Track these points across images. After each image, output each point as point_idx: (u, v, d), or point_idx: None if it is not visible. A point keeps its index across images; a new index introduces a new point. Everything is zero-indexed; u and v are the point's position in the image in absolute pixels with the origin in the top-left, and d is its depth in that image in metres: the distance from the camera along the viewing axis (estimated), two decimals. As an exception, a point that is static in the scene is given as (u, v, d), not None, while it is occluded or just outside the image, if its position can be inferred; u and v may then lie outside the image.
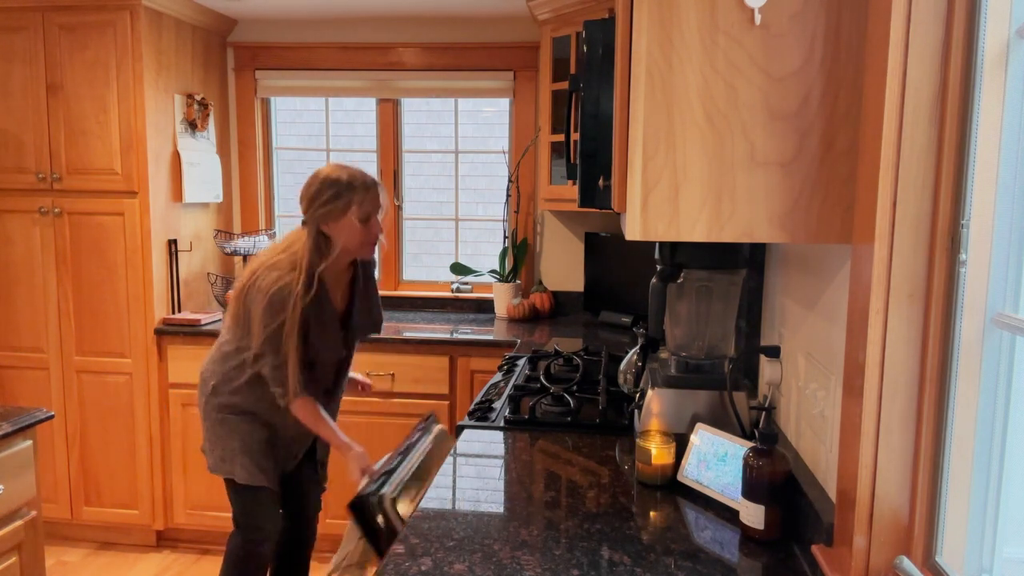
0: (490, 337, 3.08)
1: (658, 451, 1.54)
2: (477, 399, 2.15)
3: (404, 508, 1.86)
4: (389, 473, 1.92)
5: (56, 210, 3.16)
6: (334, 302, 2.19)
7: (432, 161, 3.75)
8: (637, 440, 1.56)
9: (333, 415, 2.36)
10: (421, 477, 2.00)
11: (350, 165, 2.14)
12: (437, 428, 2.23)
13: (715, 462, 1.50)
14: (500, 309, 3.51)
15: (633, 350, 2.07)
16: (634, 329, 2.14)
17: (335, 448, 2.19)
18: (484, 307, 3.65)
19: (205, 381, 2.25)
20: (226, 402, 2.20)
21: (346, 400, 2.68)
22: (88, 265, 3.18)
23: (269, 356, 2.06)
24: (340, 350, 2.23)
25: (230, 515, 3.06)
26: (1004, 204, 0.95)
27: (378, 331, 2.41)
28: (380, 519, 1.81)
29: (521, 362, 2.56)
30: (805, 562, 1.25)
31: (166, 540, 3.38)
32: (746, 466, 1.33)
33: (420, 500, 1.68)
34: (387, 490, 1.84)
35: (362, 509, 1.83)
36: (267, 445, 2.24)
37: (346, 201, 2.05)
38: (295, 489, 2.43)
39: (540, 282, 3.59)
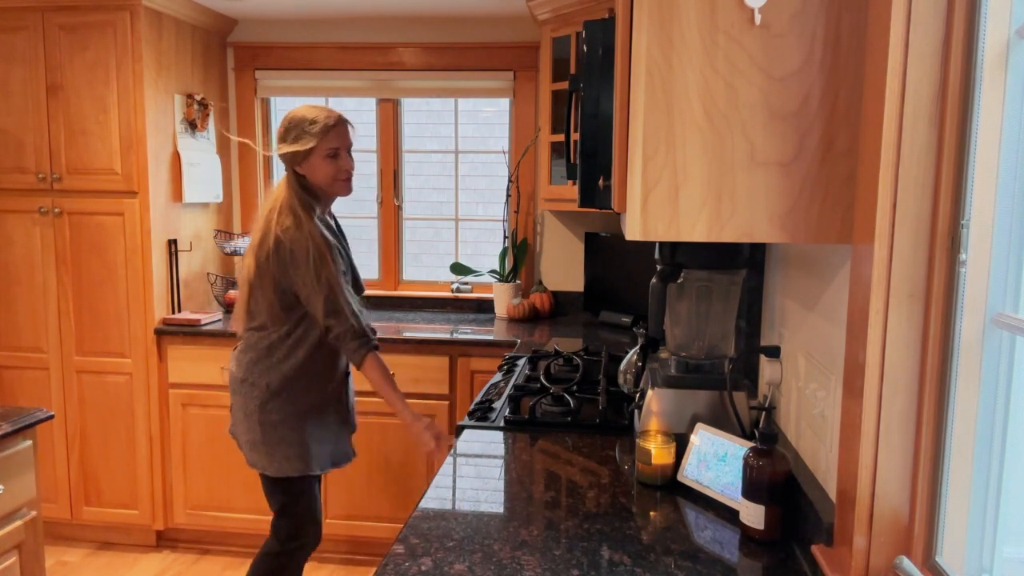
0: (490, 337, 3.08)
1: (658, 451, 1.54)
2: (477, 399, 2.15)
3: None
4: None
5: (56, 210, 3.16)
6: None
7: (432, 161, 3.75)
8: (637, 440, 1.56)
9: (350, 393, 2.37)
10: None
11: (321, 105, 2.17)
12: None
13: (715, 462, 1.50)
14: (500, 309, 3.51)
15: (633, 350, 2.07)
16: (634, 329, 2.14)
17: (401, 416, 2.20)
18: (484, 307, 3.65)
19: (253, 384, 2.15)
20: (292, 404, 2.16)
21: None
22: (88, 265, 3.18)
23: (331, 314, 2.07)
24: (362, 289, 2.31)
25: (230, 515, 3.05)
26: (1004, 204, 0.95)
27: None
28: None
29: (521, 362, 2.56)
30: (805, 562, 1.25)
31: (166, 540, 3.38)
32: (746, 466, 1.33)
33: None
34: None
35: None
36: (342, 425, 2.29)
37: (310, 138, 2.09)
38: None
39: (540, 282, 3.59)
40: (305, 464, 2.17)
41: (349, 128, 2.17)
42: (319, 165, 2.12)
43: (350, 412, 2.35)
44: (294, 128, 2.10)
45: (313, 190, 2.15)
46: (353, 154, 2.20)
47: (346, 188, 2.19)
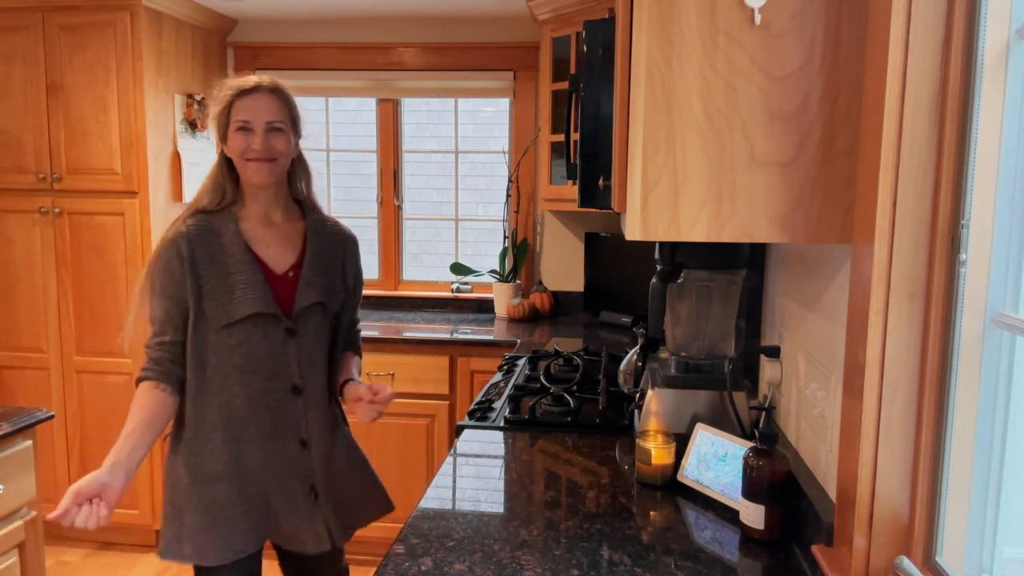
0: (490, 337, 3.08)
1: (658, 451, 1.54)
2: (477, 399, 2.15)
3: None
4: None
5: (56, 210, 3.16)
6: (253, 246, 1.73)
7: (432, 161, 3.75)
8: (637, 440, 1.56)
9: (333, 423, 1.86)
10: None
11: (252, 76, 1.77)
12: None
13: (715, 462, 1.50)
14: (500, 309, 3.51)
15: (633, 350, 2.07)
16: (634, 329, 2.14)
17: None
18: (484, 307, 3.65)
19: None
20: (181, 459, 1.74)
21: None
22: (88, 265, 3.18)
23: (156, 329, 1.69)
24: (260, 307, 1.68)
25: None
26: (1004, 204, 0.95)
27: (352, 326, 2.01)
28: None
29: (521, 362, 2.56)
30: (805, 562, 1.25)
31: (166, 540, 3.38)
32: (746, 466, 1.33)
33: None
34: None
35: None
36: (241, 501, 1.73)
37: (217, 111, 1.70)
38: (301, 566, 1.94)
39: (540, 282, 3.59)
40: (178, 549, 1.76)
41: (263, 96, 1.71)
42: (232, 140, 1.69)
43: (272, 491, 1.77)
44: (213, 102, 1.73)
45: (231, 172, 1.75)
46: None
47: (259, 174, 1.69)
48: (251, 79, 1.73)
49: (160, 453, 3.25)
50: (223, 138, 1.72)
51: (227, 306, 1.67)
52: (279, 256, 1.77)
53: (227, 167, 1.75)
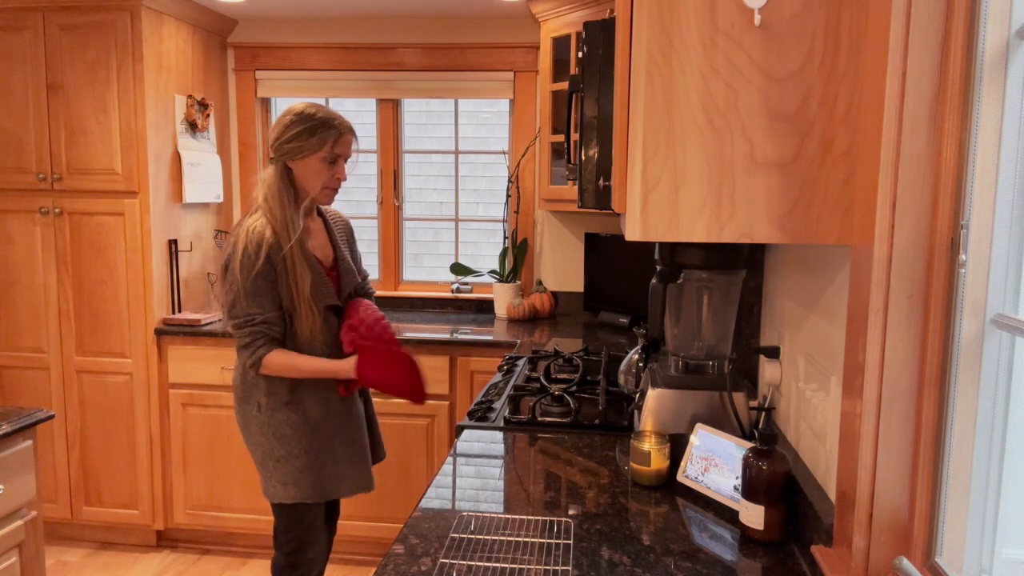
0: (490, 337, 3.08)
1: (654, 452, 1.54)
2: (477, 399, 2.15)
3: None
4: None
5: (56, 210, 3.16)
6: (314, 248, 2.10)
7: (432, 161, 3.75)
8: (632, 441, 1.56)
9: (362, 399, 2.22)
10: None
11: (324, 106, 2.07)
12: None
13: (715, 462, 1.50)
14: (500, 309, 3.51)
15: (634, 350, 2.07)
16: (634, 330, 2.14)
17: (332, 374, 2.03)
18: (484, 307, 3.65)
19: (241, 400, 2.08)
20: (278, 418, 2.03)
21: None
22: (88, 265, 3.18)
23: (245, 300, 1.95)
24: (333, 297, 2.09)
25: (230, 515, 3.06)
26: (1004, 204, 0.95)
27: (364, 280, 2.32)
28: None
29: (521, 362, 2.56)
30: (805, 562, 1.25)
31: (166, 540, 3.38)
32: (746, 466, 1.34)
33: None
34: None
35: None
36: (334, 447, 2.09)
37: (319, 139, 1.99)
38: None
39: (540, 282, 3.59)
40: (295, 494, 2.05)
41: (355, 139, 2.10)
42: (316, 167, 2.01)
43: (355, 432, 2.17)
44: (301, 123, 1.99)
45: (294, 187, 2.04)
46: (354, 158, 2.13)
47: (330, 198, 2.09)
48: (345, 121, 2.06)
49: (160, 450, 3.25)
50: (298, 158, 2.00)
51: (308, 299, 2.02)
52: (322, 253, 2.14)
53: (288, 179, 2.03)
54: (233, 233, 2.02)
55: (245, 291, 1.95)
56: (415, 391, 2.08)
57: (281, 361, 1.99)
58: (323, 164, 2.02)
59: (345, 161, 2.08)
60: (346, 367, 2.03)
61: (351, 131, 2.07)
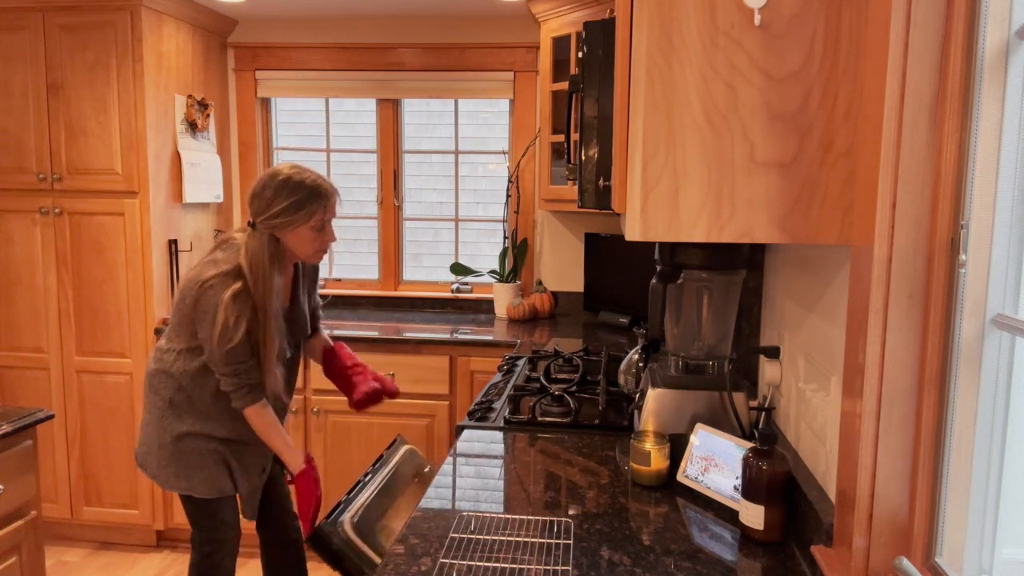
0: (490, 337, 3.08)
1: (654, 452, 1.54)
2: (477, 399, 2.15)
3: (370, 528, 1.85)
4: (348, 501, 1.87)
5: (56, 210, 3.16)
6: (280, 300, 2.08)
7: (432, 162, 3.75)
8: (632, 441, 1.56)
9: (282, 419, 2.24)
10: (389, 496, 1.98)
11: (305, 167, 2.02)
12: (404, 448, 2.20)
13: (715, 462, 1.50)
14: (500, 309, 3.51)
15: (634, 350, 2.07)
16: (634, 330, 2.14)
17: (286, 463, 2.08)
18: (484, 307, 3.65)
19: (156, 391, 2.07)
20: (188, 430, 2.05)
21: (343, 400, 2.67)
22: (88, 265, 3.18)
23: (221, 362, 1.96)
24: (287, 349, 2.12)
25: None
26: (1004, 204, 0.95)
27: (313, 328, 2.32)
28: (344, 546, 1.77)
29: (521, 362, 2.56)
30: (805, 563, 1.25)
31: (166, 540, 3.38)
32: (746, 466, 1.34)
33: (387, 518, 1.67)
34: (346, 516, 1.81)
35: (321, 541, 1.78)
36: (231, 454, 2.11)
37: (307, 212, 1.95)
38: (264, 492, 2.32)
39: (540, 282, 3.59)
40: (189, 486, 2.11)
41: (338, 199, 2.05)
42: (305, 236, 1.98)
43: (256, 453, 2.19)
44: (286, 195, 1.94)
45: (281, 255, 2.01)
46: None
47: (320, 258, 2.09)
48: (325, 183, 2.02)
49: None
50: (287, 230, 1.97)
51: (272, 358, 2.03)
52: (280, 300, 2.07)
53: (275, 248, 1.99)
54: (207, 286, 1.93)
55: (222, 355, 1.94)
56: (304, 517, 2.09)
57: (260, 420, 2.03)
58: (313, 232, 2.00)
59: (332, 221, 2.06)
60: (296, 462, 2.07)
61: (335, 193, 2.04)
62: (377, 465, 2.08)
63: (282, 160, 3.83)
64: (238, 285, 1.93)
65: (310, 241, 2.00)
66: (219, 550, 2.17)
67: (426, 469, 2.22)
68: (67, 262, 3.19)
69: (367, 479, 2.00)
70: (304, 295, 2.23)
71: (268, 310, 1.96)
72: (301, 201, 1.95)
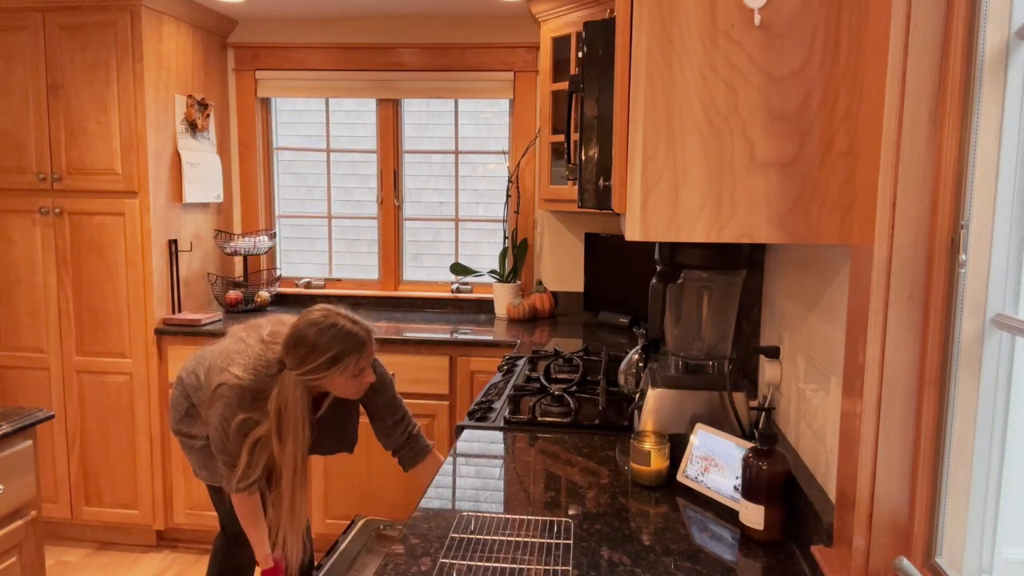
0: (490, 337, 3.08)
1: (654, 452, 1.54)
2: (477, 399, 2.15)
3: None
4: None
5: (56, 210, 3.16)
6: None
7: (432, 162, 3.75)
8: (632, 441, 1.56)
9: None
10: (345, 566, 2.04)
11: (337, 313, 1.93)
12: (360, 523, 2.23)
13: (715, 462, 1.50)
14: (500, 309, 3.51)
15: (634, 350, 2.07)
16: (634, 330, 2.14)
17: (256, 555, 2.09)
18: (484, 307, 3.65)
19: (175, 401, 2.17)
20: (201, 432, 2.15)
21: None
22: (88, 265, 3.18)
23: (221, 453, 1.97)
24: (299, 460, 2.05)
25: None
26: (1004, 205, 0.95)
27: (349, 450, 2.24)
28: None
29: (521, 362, 2.56)
30: (805, 563, 1.25)
31: (166, 540, 3.38)
32: (746, 466, 1.33)
33: None
34: None
35: None
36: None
37: (343, 365, 1.89)
38: None
39: (540, 282, 3.59)
40: (210, 476, 2.20)
41: (373, 342, 1.97)
42: (341, 382, 1.93)
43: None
44: (323, 349, 1.87)
45: (312, 394, 2.00)
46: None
47: (358, 396, 2.03)
48: (363, 328, 1.94)
49: (160, 450, 3.25)
50: (326, 379, 1.91)
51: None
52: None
53: (309, 396, 1.95)
54: (218, 395, 1.93)
55: (218, 451, 1.97)
56: None
57: (243, 508, 2.03)
58: (350, 379, 1.94)
59: (370, 363, 1.98)
60: (264, 559, 2.08)
61: (372, 339, 1.96)
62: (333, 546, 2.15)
63: (281, 159, 3.82)
64: (247, 416, 1.92)
65: (347, 386, 1.95)
66: (237, 540, 2.23)
67: (382, 528, 2.26)
68: (67, 262, 3.19)
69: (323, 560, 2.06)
70: (340, 418, 2.15)
71: (287, 457, 1.93)
72: (336, 356, 1.88)
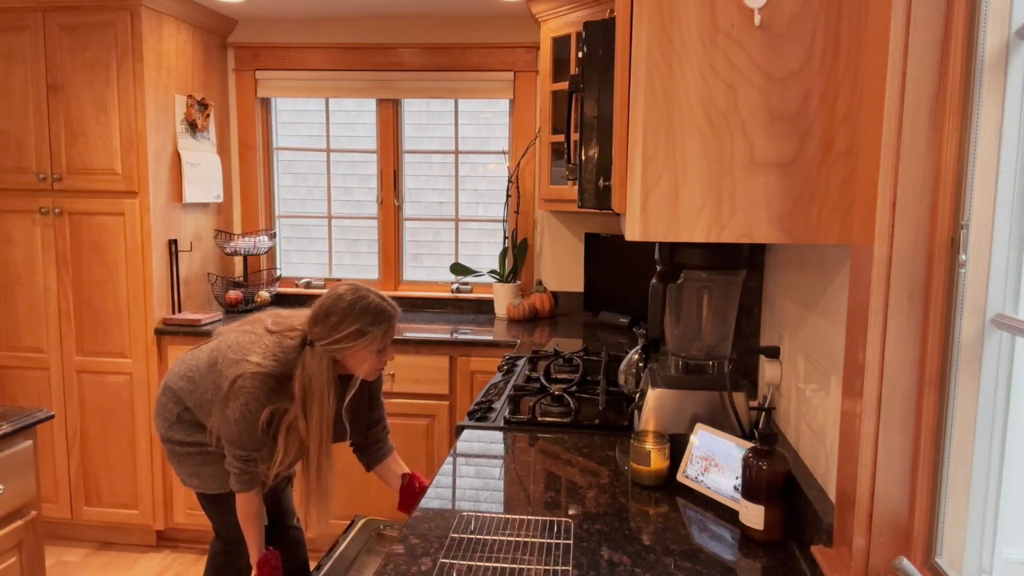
0: (490, 337, 3.08)
1: (654, 452, 1.54)
2: (477, 399, 2.15)
3: None
4: None
5: (56, 210, 3.16)
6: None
7: (432, 162, 3.75)
8: (632, 441, 1.57)
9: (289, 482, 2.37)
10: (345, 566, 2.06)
11: (366, 288, 1.98)
12: (360, 524, 2.24)
13: (715, 462, 1.50)
14: (500, 309, 3.51)
15: (634, 350, 2.07)
16: (634, 330, 2.14)
17: (250, 553, 2.09)
18: (484, 307, 3.65)
19: (163, 408, 2.13)
20: (193, 439, 2.11)
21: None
22: (88, 265, 3.18)
23: (238, 448, 1.96)
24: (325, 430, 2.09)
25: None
26: (1004, 205, 0.95)
27: (376, 441, 2.27)
28: None
29: (521, 362, 2.56)
30: (805, 563, 1.25)
31: (166, 540, 3.38)
32: (746, 466, 1.33)
33: None
34: None
35: None
36: None
37: (370, 337, 1.93)
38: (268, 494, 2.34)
39: (540, 282, 3.59)
40: (200, 484, 2.17)
41: (398, 319, 2.02)
42: (364, 357, 1.96)
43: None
44: (352, 320, 1.91)
45: (335, 371, 2.00)
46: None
47: (376, 375, 2.06)
48: (390, 305, 1.98)
49: (160, 450, 3.25)
50: (351, 351, 1.93)
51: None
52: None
53: (333, 369, 1.96)
54: (238, 384, 1.91)
55: (237, 438, 1.94)
56: None
57: (246, 508, 2.03)
58: (373, 354, 1.97)
59: (391, 342, 2.03)
60: (255, 557, 2.07)
61: (398, 315, 2.00)
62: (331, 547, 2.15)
63: (281, 159, 3.82)
64: (274, 407, 1.92)
65: (369, 362, 1.98)
66: (235, 546, 2.21)
67: (382, 528, 2.26)
68: (67, 262, 3.19)
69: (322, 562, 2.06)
70: (363, 405, 2.18)
71: (312, 429, 1.95)
72: (364, 328, 1.92)
